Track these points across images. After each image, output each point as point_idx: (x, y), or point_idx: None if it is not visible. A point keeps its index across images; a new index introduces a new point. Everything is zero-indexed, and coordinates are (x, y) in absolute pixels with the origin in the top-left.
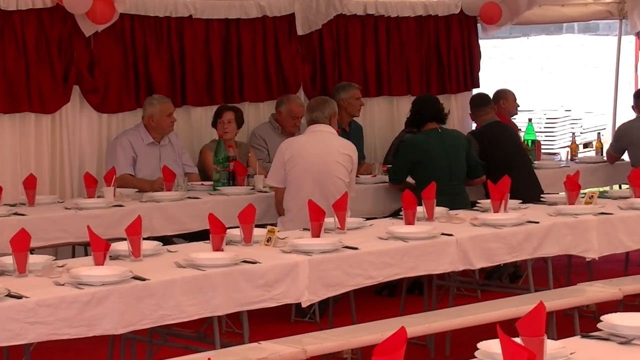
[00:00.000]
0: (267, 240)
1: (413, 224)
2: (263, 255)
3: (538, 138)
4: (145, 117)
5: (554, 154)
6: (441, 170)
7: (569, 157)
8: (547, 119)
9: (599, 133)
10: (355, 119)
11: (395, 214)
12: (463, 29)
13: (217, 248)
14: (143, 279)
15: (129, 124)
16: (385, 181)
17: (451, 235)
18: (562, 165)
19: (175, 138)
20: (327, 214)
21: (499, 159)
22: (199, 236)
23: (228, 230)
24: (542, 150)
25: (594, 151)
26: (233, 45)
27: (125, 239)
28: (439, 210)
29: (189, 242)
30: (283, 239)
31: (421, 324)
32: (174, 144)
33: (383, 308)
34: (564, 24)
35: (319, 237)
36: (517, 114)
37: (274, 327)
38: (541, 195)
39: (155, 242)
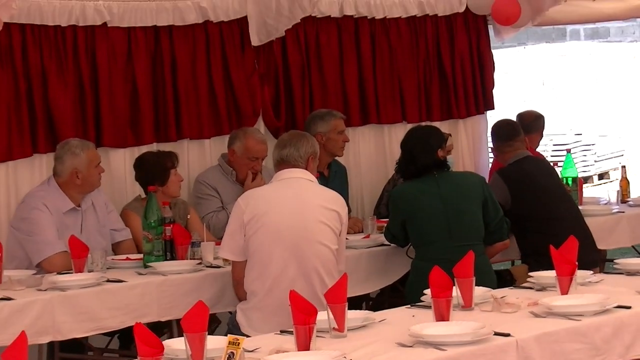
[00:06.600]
0: (229, 359)
1: (448, 320)
2: None
3: None
4: (65, 172)
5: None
6: (437, 229)
7: (619, 199)
8: (553, 145)
9: (623, 167)
10: (337, 158)
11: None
12: (470, 32)
13: None
14: None
15: (25, 178)
16: (384, 243)
17: (508, 335)
18: (614, 211)
19: (98, 195)
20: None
21: (538, 208)
22: (124, 337)
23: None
24: None
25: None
26: (165, 62)
27: None
28: (478, 292)
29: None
30: (252, 351)
31: None
32: (96, 206)
33: None
34: (568, 29)
35: (308, 349)
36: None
37: None
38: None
39: None
